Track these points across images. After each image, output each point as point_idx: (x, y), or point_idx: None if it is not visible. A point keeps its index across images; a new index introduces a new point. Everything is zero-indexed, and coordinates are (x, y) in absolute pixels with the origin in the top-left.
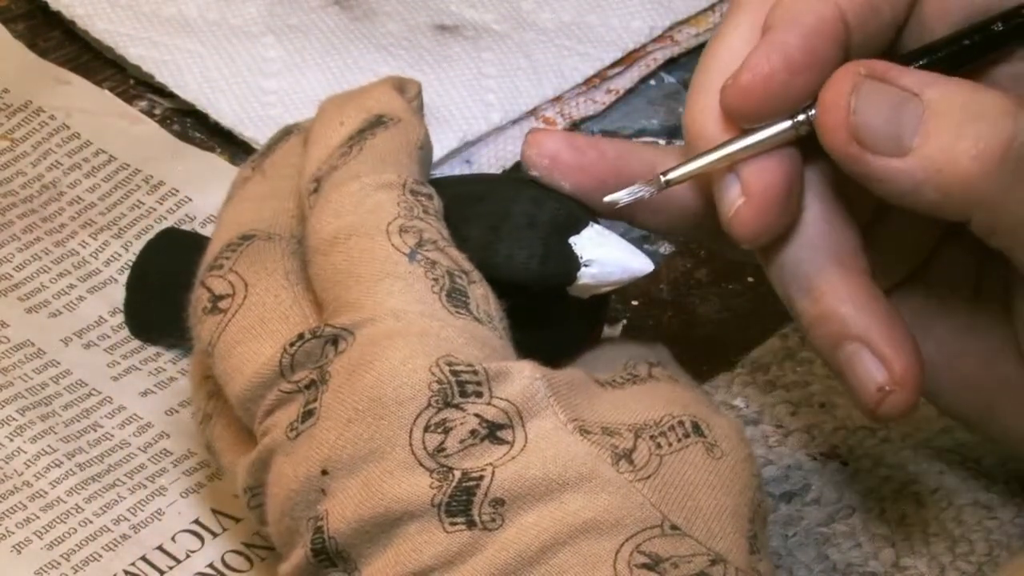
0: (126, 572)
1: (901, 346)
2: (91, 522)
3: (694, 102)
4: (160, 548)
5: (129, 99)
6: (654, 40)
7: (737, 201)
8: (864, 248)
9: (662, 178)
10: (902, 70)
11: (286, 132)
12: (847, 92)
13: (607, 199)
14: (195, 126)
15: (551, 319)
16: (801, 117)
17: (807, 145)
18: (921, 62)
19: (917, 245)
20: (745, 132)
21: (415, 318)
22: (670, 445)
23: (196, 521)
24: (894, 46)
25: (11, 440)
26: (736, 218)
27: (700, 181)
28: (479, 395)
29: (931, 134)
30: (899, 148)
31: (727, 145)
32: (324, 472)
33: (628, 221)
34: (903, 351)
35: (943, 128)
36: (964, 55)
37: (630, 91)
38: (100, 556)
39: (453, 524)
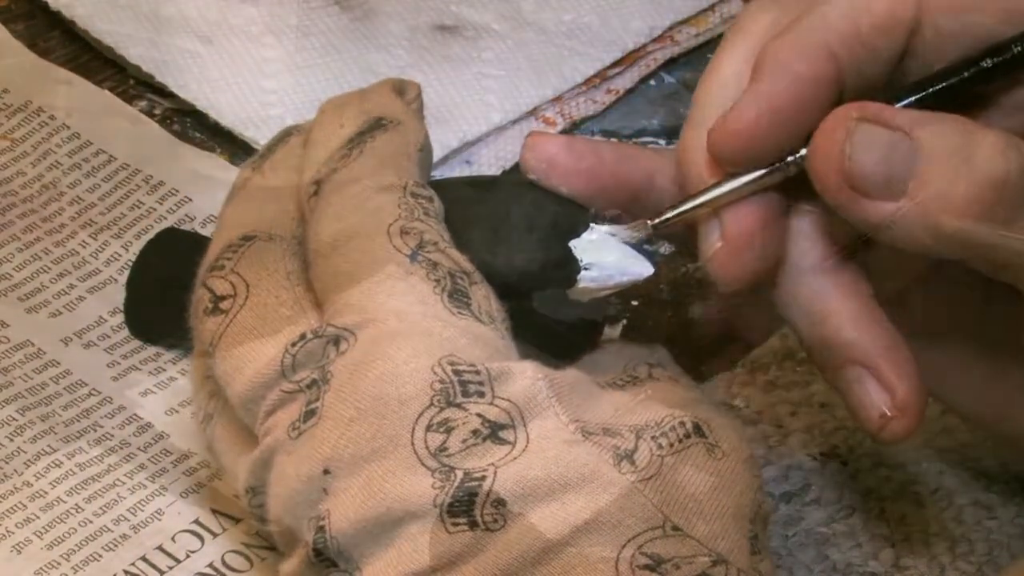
0: (126, 572)
1: (903, 371)
2: (91, 522)
3: (686, 137)
4: (160, 548)
5: (129, 99)
6: (654, 40)
7: (716, 244)
8: (865, 270)
9: (649, 223)
10: (895, 111)
11: (286, 133)
12: (841, 139)
13: None
14: (195, 126)
15: (551, 322)
16: (790, 159)
17: (799, 177)
18: (913, 98)
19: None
20: (732, 175)
21: (417, 318)
22: (671, 446)
23: (196, 521)
24: (890, 80)
25: (11, 440)
26: (714, 261)
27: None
28: (481, 395)
29: (925, 177)
30: (893, 192)
31: (713, 189)
32: (326, 471)
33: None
34: (905, 376)
35: (937, 170)
36: (957, 90)
37: (630, 91)
38: (100, 556)
39: (455, 524)
